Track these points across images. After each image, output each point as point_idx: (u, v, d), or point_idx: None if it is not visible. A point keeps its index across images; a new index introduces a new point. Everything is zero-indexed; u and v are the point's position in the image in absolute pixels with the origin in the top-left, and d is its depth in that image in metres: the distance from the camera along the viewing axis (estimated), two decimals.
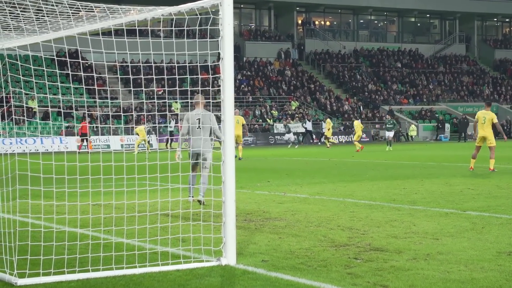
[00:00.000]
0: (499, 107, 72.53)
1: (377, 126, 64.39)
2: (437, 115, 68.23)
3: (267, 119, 58.67)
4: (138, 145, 39.79)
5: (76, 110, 47.98)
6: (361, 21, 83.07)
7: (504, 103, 73.42)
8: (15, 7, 9.32)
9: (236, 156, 30.33)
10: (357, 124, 43.55)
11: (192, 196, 13.95)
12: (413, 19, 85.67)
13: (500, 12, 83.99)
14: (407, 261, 8.41)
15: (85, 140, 41.62)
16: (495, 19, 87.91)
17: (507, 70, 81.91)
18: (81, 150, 38.58)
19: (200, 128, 13.53)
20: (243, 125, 30.12)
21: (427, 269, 7.99)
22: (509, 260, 8.37)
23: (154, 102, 44.03)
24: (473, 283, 7.27)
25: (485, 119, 21.79)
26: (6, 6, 9.29)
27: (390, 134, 42.67)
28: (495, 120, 21.88)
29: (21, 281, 7.51)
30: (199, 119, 13.65)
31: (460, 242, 9.63)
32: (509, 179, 19.24)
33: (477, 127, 22.07)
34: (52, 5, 9.24)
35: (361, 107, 66.72)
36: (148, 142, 41.12)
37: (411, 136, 63.06)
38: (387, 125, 42.64)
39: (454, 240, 9.85)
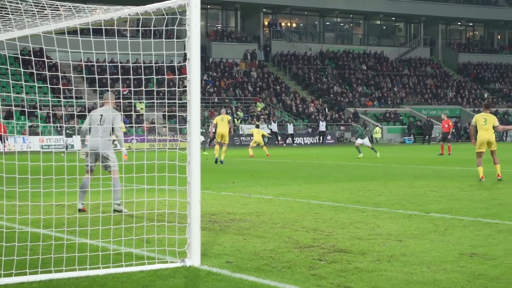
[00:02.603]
0: (462, 110, 73.31)
1: (342, 128, 64.71)
2: (401, 118, 68.74)
3: (235, 119, 58.63)
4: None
5: (40, 109, 47.54)
6: (327, 23, 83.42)
7: (467, 106, 74.17)
8: None
9: (217, 160, 29.94)
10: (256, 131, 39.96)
11: (83, 203, 12.92)
12: (378, 22, 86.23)
13: (464, 16, 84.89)
14: (371, 263, 8.45)
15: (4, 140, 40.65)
16: (459, 23, 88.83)
17: (470, 74, 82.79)
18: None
19: (99, 126, 12.80)
20: (228, 121, 29.75)
21: (390, 270, 8.03)
22: (471, 262, 8.45)
23: (120, 102, 43.79)
24: (436, 285, 7.33)
25: (486, 121, 19.58)
26: None
27: (360, 141, 38.34)
28: (497, 123, 19.84)
29: None
30: (101, 116, 13.03)
31: (423, 244, 9.70)
32: (471, 181, 19.42)
33: (474, 131, 20.11)
34: (17, 3, 9.16)
35: (326, 109, 67.00)
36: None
37: (376, 139, 63.43)
38: (359, 133, 38.69)
39: (417, 241, 9.92)
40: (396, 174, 23.02)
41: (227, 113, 31.96)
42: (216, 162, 29.56)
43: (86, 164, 12.89)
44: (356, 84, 73.98)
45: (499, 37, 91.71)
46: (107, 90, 13.72)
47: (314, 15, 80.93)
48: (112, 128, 12.91)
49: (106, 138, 12.85)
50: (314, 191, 17.48)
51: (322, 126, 60.68)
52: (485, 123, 19.44)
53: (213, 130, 30.92)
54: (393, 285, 7.34)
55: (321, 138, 60.82)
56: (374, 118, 67.94)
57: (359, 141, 36.36)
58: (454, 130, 66.93)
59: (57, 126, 45.94)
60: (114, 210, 12.53)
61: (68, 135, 42.09)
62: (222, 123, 29.53)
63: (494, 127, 19.63)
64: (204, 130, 43.29)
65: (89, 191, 12.97)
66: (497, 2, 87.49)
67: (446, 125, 38.50)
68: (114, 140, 13.89)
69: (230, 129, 29.64)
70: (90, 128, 13.06)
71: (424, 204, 14.36)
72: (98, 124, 12.85)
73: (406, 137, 64.78)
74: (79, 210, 12.83)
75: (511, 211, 13.09)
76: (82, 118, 41.49)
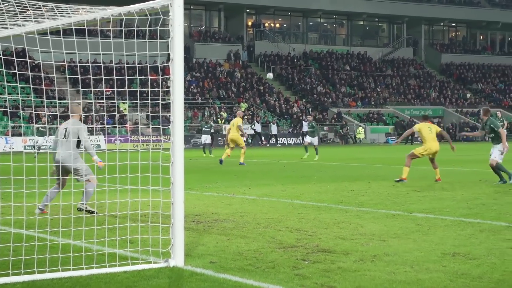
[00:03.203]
0: (445, 111, 73.61)
1: (325, 128, 64.79)
2: (384, 118, 68.95)
3: (218, 120, 58.59)
4: None
5: (23, 110, 47.31)
6: (311, 23, 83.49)
7: (450, 107, 74.49)
8: None
9: (221, 161, 29.36)
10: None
11: (40, 208, 12.59)
12: (362, 23, 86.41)
13: (446, 17, 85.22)
14: (354, 262, 8.48)
15: None
16: (442, 24, 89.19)
17: (453, 74, 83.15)
18: None
19: (64, 140, 12.64)
20: (238, 126, 29.56)
21: (373, 270, 8.07)
22: (453, 261, 8.50)
23: (103, 102, 43.63)
24: (419, 284, 7.37)
25: (431, 129, 19.97)
26: None
27: (309, 140, 35.31)
28: (439, 129, 20.29)
29: None
30: (65, 129, 12.78)
31: (406, 244, 9.75)
32: (454, 182, 19.53)
33: (409, 134, 20.77)
34: None
35: (310, 109, 67.05)
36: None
37: (359, 139, 63.60)
38: (309, 129, 35.67)
39: (400, 241, 9.96)
40: (379, 174, 23.10)
41: (241, 117, 31.69)
42: (220, 162, 29.12)
43: (57, 178, 12.73)
44: (339, 84, 74.12)
45: (481, 37, 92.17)
46: (75, 103, 13.70)
47: (298, 15, 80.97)
48: (79, 141, 12.73)
49: (69, 151, 12.56)
50: (297, 191, 17.51)
51: (305, 126, 60.72)
52: (431, 132, 19.83)
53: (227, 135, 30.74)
54: (376, 284, 7.38)
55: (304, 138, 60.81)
56: (358, 118, 68.09)
57: (308, 139, 35.10)
58: None
59: (39, 126, 45.72)
60: (78, 208, 12.56)
61: (40, 134, 41.65)
62: (232, 128, 29.52)
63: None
64: (212, 131, 42.90)
65: (60, 193, 12.74)
66: (479, 3, 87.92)
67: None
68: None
69: (241, 132, 29.54)
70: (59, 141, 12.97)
71: (407, 204, 14.42)
72: (63, 138, 12.72)
73: (390, 138, 64.94)
74: (40, 211, 12.65)
75: (493, 211, 13.18)
76: (65, 118, 41.13)
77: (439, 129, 20.26)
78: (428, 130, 19.93)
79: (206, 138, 41.03)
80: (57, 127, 13.44)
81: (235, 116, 33.74)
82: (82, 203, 12.68)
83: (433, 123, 22.87)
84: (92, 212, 12.46)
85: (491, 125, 18.94)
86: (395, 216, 12.70)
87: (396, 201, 15.00)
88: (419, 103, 74.15)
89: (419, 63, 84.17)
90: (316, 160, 32.46)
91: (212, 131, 42.71)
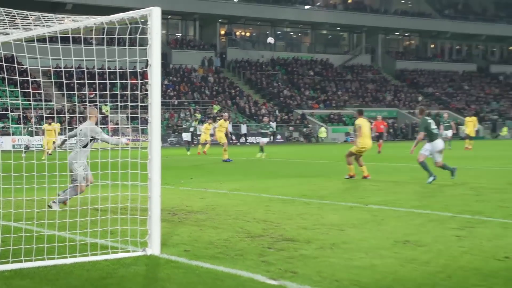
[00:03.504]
0: (399, 112, 74.03)
1: (290, 128, 64.88)
2: (344, 119, 69.20)
3: (194, 121, 58.35)
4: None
5: (12, 111, 46.87)
6: (278, 32, 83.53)
7: (403, 108, 74.95)
8: None
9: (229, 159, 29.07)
10: (205, 125, 38.72)
11: (54, 202, 12.58)
12: (324, 32, 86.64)
13: (401, 27, 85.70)
14: (315, 250, 8.52)
15: None
16: (397, 33, 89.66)
17: (406, 79, 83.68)
18: None
19: (78, 139, 12.57)
20: (219, 125, 29.77)
21: (332, 257, 8.11)
22: (404, 248, 8.57)
23: (86, 104, 43.40)
24: (373, 269, 7.42)
25: (369, 126, 19.13)
26: None
27: (264, 140, 34.02)
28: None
29: None
30: (81, 130, 12.70)
31: (362, 233, 9.81)
32: (406, 177, 19.66)
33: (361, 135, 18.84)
34: None
35: (277, 111, 67.14)
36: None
37: (321, 138, 63.81)
38: (263, 130, 34.27)
39: (356, 230, 10.03)
40: (339, 170, 23.18)
41: (226, 119, 31.45)
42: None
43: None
44: (304, 88, 74.26)
45: (432, 46, 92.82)
46: (91, 106, 13.51)
47: (266, 25, 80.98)
48: (91, 140, 12.57)
49: (76, 150, 12.45)
50: (264, 186, 17.53)
51: (273, 126, 60.74)
52: (370, 131, 18.83)
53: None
54: (334, 270, 7.42)
55: (271, 137, 60.88)
56: (320, 119, 68.26)
57: (265, 140, 33.65)
58: (392, 130, 67.75)
59: (28, 127, 45.35)
60: (48, 205, 12.13)
61: (29, 134, 41.16)
62: (220, 128, 29.69)
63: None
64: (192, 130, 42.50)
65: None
66: (430, 14, 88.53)
67: (382, 126, 38.20)
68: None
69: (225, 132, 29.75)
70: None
71: (364, 197, 14.50)
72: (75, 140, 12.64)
73: (349, 137, 65.17)
74: (48, 206, 12.50)
75: (440, 203, 13.29)
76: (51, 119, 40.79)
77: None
78: (368, 126, 19.27)
79: (186, 136, 40.88)
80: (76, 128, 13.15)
81: (209, 117, 33.83)
82: (54, 202, 12.34)
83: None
84: (50, 207, 12.13)
85: (421, 124, 18.06)
86: (352, 208, 12.77)
87: (354, 195, 15.08)
88: (376, 106, 74.49)
89: (376, 69, 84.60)
90: (263, 158, 31.73)
91: (192, 130, 42.38)
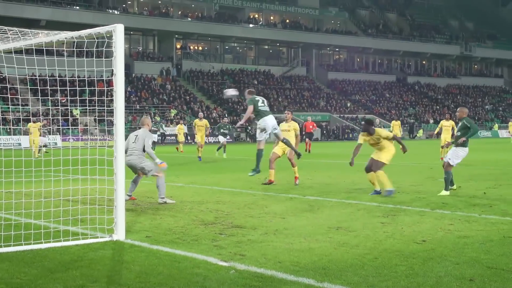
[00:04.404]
0: (331, 116, 74.65)
1: (238, 130, 64.84)
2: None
3: (156, 124, 57.89)
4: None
5: None
6: (227, 47, 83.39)
7: (335, 113, 75.61)
8: None
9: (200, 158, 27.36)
10: (179, 126, 38.05)
11: (128, 195, 12.43)
12: (266, 47, 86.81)
13: (332, 43, 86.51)
14: (260, 235, 8.51)
15: None
16: (328, 49, 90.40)
17: (337, 88, 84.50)
18: None
19: (134, 144, 12.24)
20: (206, 128, 29.17)
21: (275, 241, 8.11)
22: (337, 234, 8.62)
23: (59, 108, 42.63)
24: (310, 252, 7.45)
25: (290, 127, 16.42)
26: None
27: (224, 139, 31.36)
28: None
29: None
30: (136, 136, 12.36)
31: (300, 220, 9.84)
32: (338, 172, 19.82)
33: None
34: None
35: (226, 114, 67.02)
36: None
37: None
38: (222, 130, 31.70)
39: (296, 218, 10.05)
40: (281, 166, 23.21)
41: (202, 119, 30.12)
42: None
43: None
44: None
45: (358, 59, 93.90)
46: (144, 116, 13.17)
47: (216, 40, 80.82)
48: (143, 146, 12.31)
49: (138, 153, 12.19)
50: (216, 179, 17.47)
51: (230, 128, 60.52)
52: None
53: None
54: (277, 252, 7.42)
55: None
56: None
57: (222, 139, 31.20)
58: (325, 132, 68.27)
59: (6, 128, 44.35)
60: (159, 203, 11.98)
61: (7, 134, 40.13)
62: (202, 128, 29.08)
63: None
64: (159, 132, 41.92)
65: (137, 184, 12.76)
66: (356, 32, 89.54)
67: (311, 126, 38.03)
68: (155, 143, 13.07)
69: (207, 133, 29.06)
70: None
71: (302, 189, 14.56)
72: (133, 143, 12.25)
73: None
74: (129, 197, 12.42)
75: (367, 194, 13.42)
76: (27, 121, 39.94)
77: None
78: (286, 127, 16.56)
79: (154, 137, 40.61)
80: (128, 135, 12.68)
81: (167, 120, 33.52)
82: (162, 198, 12.08)
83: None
84: (171, 203, 11.99)
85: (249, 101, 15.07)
86: (292, 199, 12.80)
87: (294, 187, 15.12)
88: (311, 110, 74.99)
89: (311, 79, 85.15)
90: (219, 155, 30.94)
91: (160, 131, 41.88)
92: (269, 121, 14.52)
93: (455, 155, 13.22)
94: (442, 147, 25.03)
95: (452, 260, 6.94)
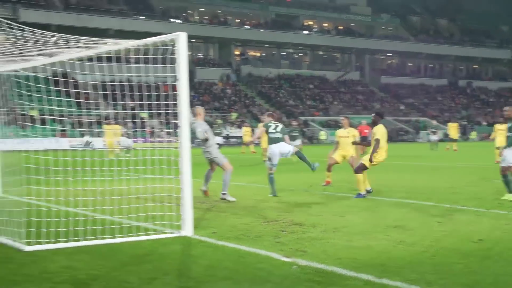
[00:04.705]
0: (385, 119, 73.76)
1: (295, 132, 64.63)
2: (340, 125, 68.82)
3: (214, 125, 58.45)
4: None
5: (67, 117, 47.19)
6: (283, 53, 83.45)
7: (389, 116, 74.65)
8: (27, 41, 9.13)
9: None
10: (244, 129, 38.18)
11: (203, 188, 12.83)
12: (321, 52, 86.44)
13: (384, 49, 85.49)
14: (320, 233, 8.45)
15: None
16: (381, 54, 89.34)
17: (390, 91, 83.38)
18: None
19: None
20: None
21: (334, 238, 8.04)
22: (395, 232, 8.49)
23: (128, 112, 43.44)
24: (369, 249, 7.35)
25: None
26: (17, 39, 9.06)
27: (219, 140, 30.84)
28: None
29: (27, 248, 7.33)
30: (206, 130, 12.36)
31: (358, 219, 9.72)
32: (393, 173, 19.46)
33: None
34: (47, 37, 9.08)
35: (284, 118, 66.97)
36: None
37: (322, 140, 63.56)
38: (293, 133, 31.18)
39: (354, 217, 9.94)
40: (339, 166, 23.04)
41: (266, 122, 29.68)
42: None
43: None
44: (305, 98, 74.13)
45: (410, 64, 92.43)
46: (197, 106, 13.14)
47: (273, 47, 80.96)
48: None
49: (212, 144, 12.44)
50: (276, 180, 17.36)
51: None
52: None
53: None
54: (337, 249, 7.36)
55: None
56: (320, 124, 68.09)
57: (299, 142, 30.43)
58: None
59: (80, 130, 45.55)
60: (221, 198, 12.17)
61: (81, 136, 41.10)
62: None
63: None
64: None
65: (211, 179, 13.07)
66: (408, 38, 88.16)
67: (366, 130, 37.46)
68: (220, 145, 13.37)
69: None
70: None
71: (357, 190, 14.35)
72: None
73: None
74: (204, 192, 12.77)
75: (424, 194, 13.15)
76: (99, 124, 40.71)
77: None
78: (345, 133, 16.18)
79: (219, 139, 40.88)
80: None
81: (228, 122, 33.56)
82: (223, 193, 12.23)
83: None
84: (232, 200, 12.08)
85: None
86: (349, 198, 12.68)
87: (349, 187, 14.96)
88: (365, 113, 74.27)
89: (365, 83, 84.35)
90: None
91: (224, 134, 42.32)
92: (276, 148, 13.46)
93: (511, 156, 12.67)
94: (498, 148, 24.34)
95: (510, 260, 6.74)
